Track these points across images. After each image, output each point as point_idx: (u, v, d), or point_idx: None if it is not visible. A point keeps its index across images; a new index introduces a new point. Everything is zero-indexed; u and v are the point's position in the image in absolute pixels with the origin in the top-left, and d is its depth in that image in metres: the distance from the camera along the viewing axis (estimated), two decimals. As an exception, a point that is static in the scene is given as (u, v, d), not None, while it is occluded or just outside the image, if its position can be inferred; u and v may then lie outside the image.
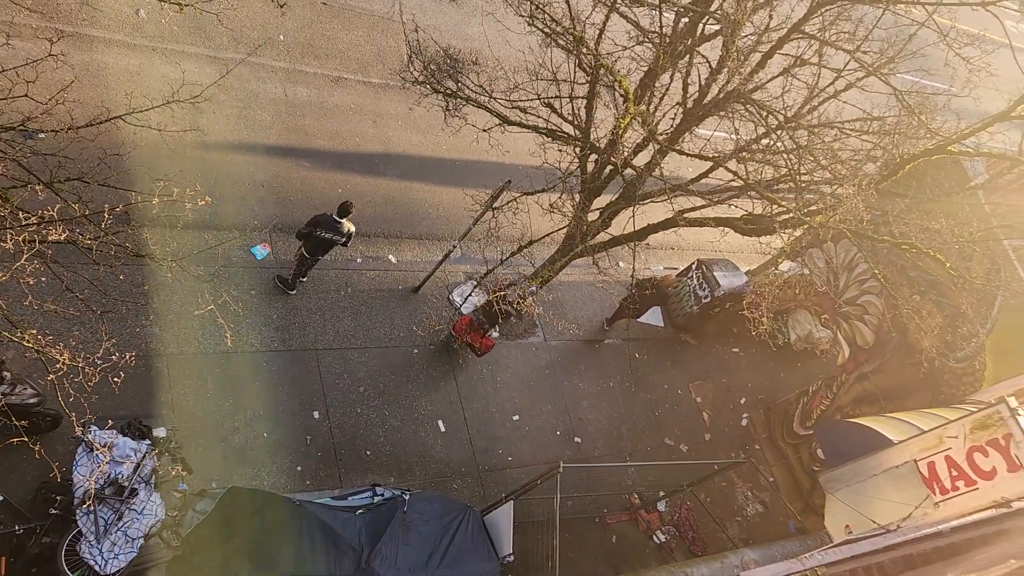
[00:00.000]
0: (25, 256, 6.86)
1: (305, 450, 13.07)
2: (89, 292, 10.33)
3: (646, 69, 12.86)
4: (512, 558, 11.43)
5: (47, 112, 8.01)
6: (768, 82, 12.73)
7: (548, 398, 16.15)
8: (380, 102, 17.28)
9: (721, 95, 12.25)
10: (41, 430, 10.59)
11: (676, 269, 19.47)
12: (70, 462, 9.81)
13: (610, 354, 17.61)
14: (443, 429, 14.57)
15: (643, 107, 12.45)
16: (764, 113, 12.10)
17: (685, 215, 13.53)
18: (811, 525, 15.61)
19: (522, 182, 13.75)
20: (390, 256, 15.91)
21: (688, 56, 12.61)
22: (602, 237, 14.22)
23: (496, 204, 13.28)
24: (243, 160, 14.97)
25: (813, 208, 12.73)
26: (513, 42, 15.06)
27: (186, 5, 10.09)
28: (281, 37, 16.62)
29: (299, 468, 12.88)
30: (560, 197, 13.20)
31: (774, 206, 12.79)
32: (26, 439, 7.90)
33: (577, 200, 13.36)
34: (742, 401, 18.78)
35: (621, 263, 18.06)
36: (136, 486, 10.02)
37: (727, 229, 13.68)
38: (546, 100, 13.06)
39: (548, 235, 14.22)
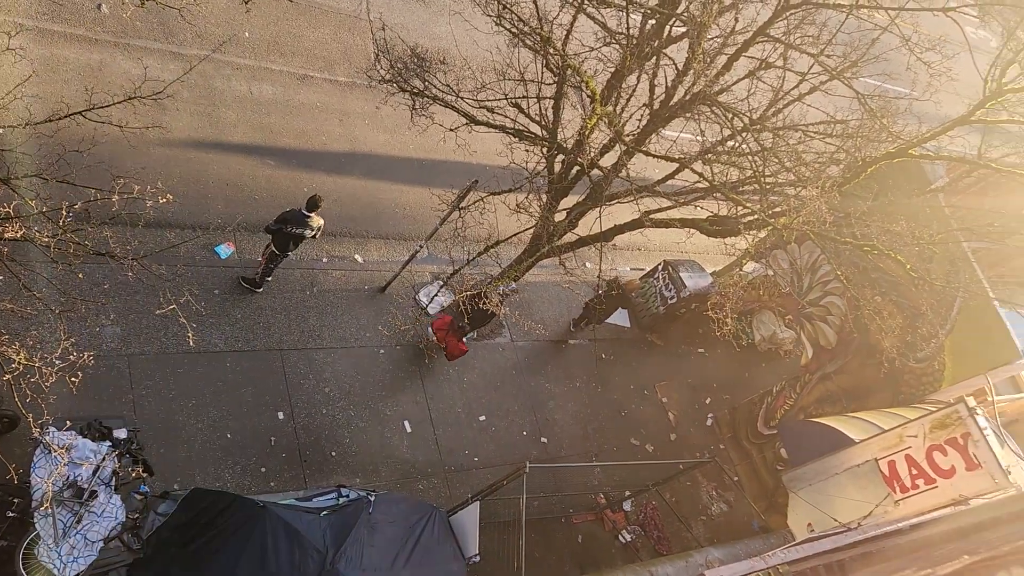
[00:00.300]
0: (-20, 254, 6.72)
1: (270, 451, 12.93)
2: (47, 291, 10.14)
3: (613, 70, 12.91)
4: (478, 559, 11.40)
5: (4, 107, 7.84)
6: (734, 84, 12.84)
7: (515, 398, 16.15)
8: (346, 101, 17.17)
9: (687, 97, 12.34)
10: (-3, 432, 10.38)
11: (643, 270, 19.56)
12: (28, 464, 9.59)
13: (577, 355, 17.65)
14: (409, 430, 14.50)
15: (610, 108, 12.50)
16: (730, 115, 12.22)
17: (651, 216, 13.61)
18: (775, 524, 15.77)
19: (489, 182, 13.73)
20: (356, 256, 15.81)
21: (655, 58, 12.69)
22: (569, 238, 14.27)
23: (463, 204, 13.25)
24: (207, 158, 14.79)
25: (777, 210, 12.87)
26: (481, 42, 15.03)
27: (148, 0, 9.93)
28: (246, 34, 16.44)
29: (264, 469, 12.74)
30: (527, 197, 13.22)
31: (739, 208, 12.92)
32: (-19, 441, 7.74)
33: (544, 200, 13.38)
34: (707, 401, 18.93)
35: (588, 263, 18.13)
36: (96, 488, 9.83)
37: (693, 230, 13.80)
38: (513, 100, 13.06)
39: (515, 235, 14.22)
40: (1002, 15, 13.66)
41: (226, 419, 12.76)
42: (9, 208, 7.11)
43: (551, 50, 12.12)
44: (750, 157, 12.74)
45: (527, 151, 13.34)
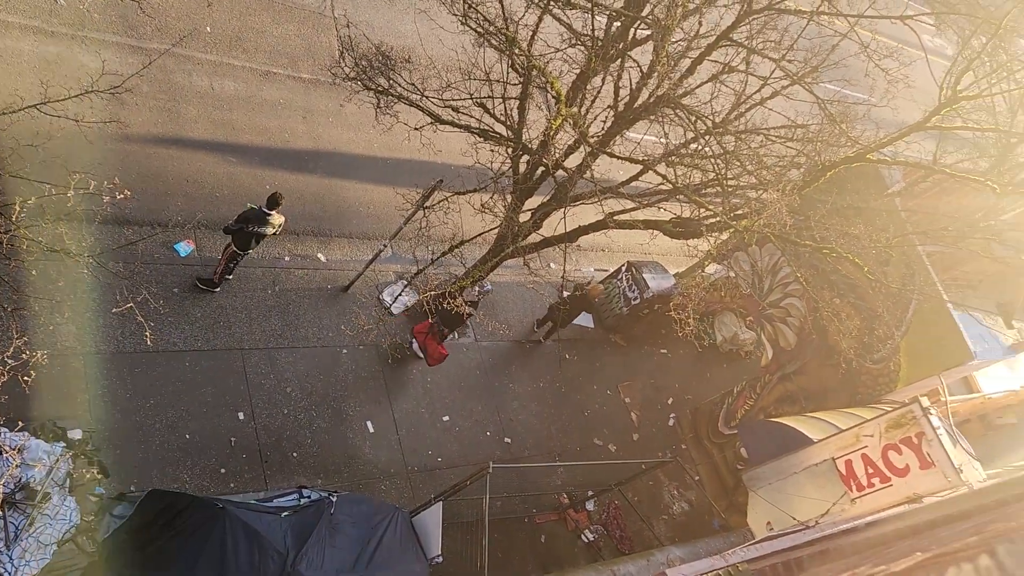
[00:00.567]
0: (-71, 249, 6.55)
1: (229, 452, 12.77)
2: None
3: (578, 72, 12.95)
4: (441, 559, 11.38)
5: (-45, 99, 7.66)
6: (697, 88, 12.95)
7: (479, 398, 16.14)
8: (310, 98, 17.02)
9: (651, 99, 12.42)
10: (-53, 432, 10.12)
11: (607, 271, 19.66)
12: (-22, 466, 9.40)
13: (540, 355, 17.69)
14: (372, 430, 14.42)
15: (575, 109, 12.55)
16: (693, 118, 12.31)
17: (615, 217, 13.68)
18: (735, 522, 15.95)
19: (454, 182, 13.69)
20: (319, 255, 15.68)
21: (620, 60, 12.75)
22: (533, 238, 14.28)
23: (427, 203, 13.21)
24: (167, 154, 14.56)
25: (739, 212, 13.01)
26: (446, 41, 14.99)
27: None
28: (208, 28, 16.22)
29: (223, 470, 12.58)
30: (492, 197, 13.20)
31: (701, 210, 13.03)
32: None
33: (509, 201, 13.38)
34: (669, 401, 19.09)
35: (552, 264, 18.16)
36: (49, 490, 9.66)
37: (656, 232, 13.89)
38: (478, 100, 13.04)
39: (480, 235, 14.20)
40: (957, 24, 13.95)
41: (185, 419, 12.57)
42: (-40, 203, 6.94)
43: (516, 50, 12.12)
44: (713, 160, 12.85)
45: (492, 151, 13.33)
